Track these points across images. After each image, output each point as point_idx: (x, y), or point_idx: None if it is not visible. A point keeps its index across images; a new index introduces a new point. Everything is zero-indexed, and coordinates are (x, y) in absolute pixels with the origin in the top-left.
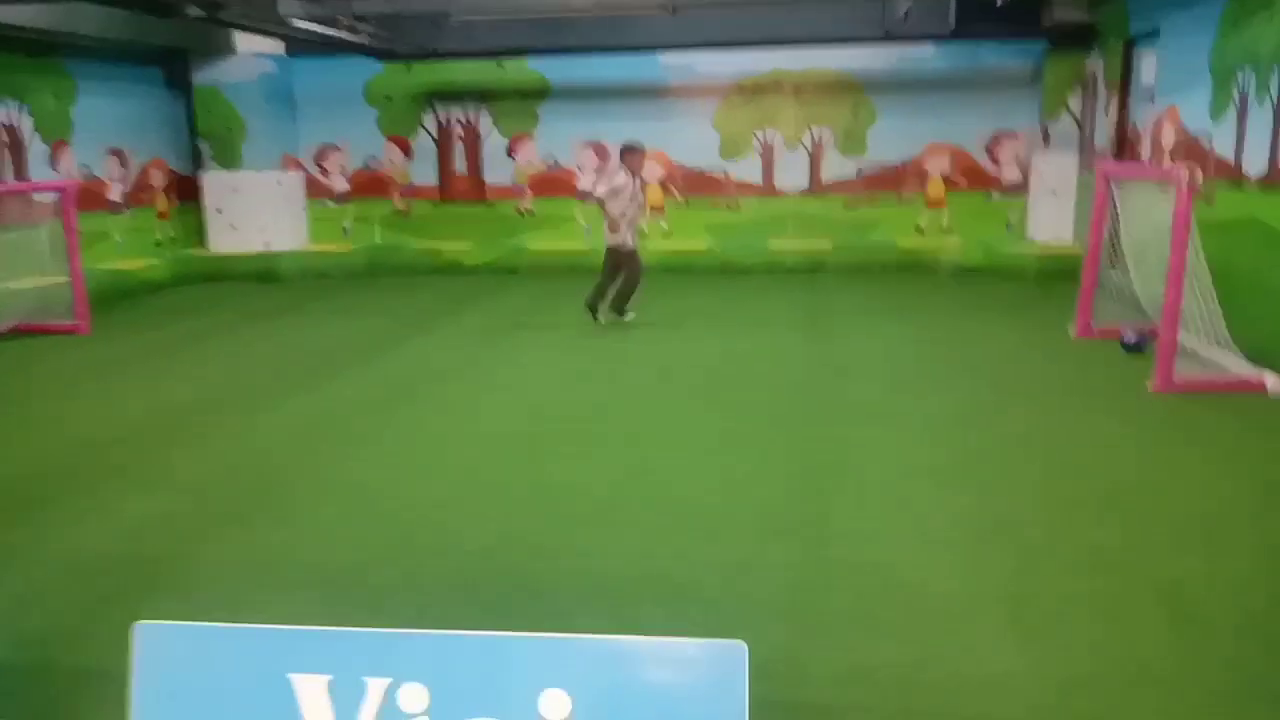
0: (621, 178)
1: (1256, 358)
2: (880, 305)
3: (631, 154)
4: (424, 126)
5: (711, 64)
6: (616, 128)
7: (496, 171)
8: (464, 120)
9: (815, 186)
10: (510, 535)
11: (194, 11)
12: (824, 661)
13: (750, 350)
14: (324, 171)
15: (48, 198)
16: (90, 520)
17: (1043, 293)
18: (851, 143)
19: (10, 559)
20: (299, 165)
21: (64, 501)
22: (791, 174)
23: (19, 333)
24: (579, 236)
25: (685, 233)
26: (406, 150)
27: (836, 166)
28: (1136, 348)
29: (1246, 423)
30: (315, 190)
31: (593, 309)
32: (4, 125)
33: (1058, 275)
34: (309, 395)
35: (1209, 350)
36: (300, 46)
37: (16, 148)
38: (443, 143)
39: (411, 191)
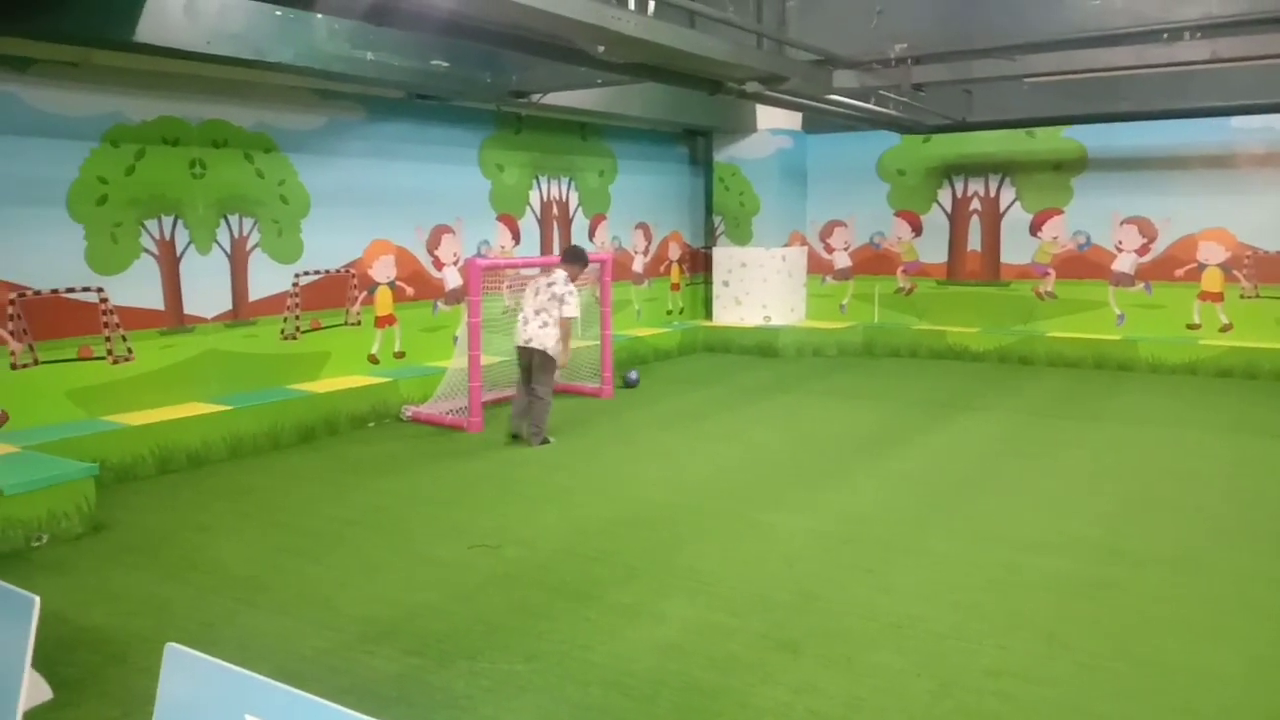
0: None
1: None
2: None
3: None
4: (937, 201)
5: None
6: (1164, 202)
7: (1014, 250)
8: (982, 194)
9: None
10: None
11: (753, 88)
12: None
13: None
14: (828, 248)
15: (590, 267)
16: (628, 628)
17: None
18: None
19: (531, 676)
20: (804, 241)
21: (602, 596)
22: None
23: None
24: (1110, 325)
25: (1251, 328)
26: (916, 226)
27: None
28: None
29: None
30: (814, 266)
31: None
32: (556, 201)
33: None
34: (816, 494)
35: None
36: (817, 123)
37: (565, 222)
38: (957, 218)
39: (917, 269)
